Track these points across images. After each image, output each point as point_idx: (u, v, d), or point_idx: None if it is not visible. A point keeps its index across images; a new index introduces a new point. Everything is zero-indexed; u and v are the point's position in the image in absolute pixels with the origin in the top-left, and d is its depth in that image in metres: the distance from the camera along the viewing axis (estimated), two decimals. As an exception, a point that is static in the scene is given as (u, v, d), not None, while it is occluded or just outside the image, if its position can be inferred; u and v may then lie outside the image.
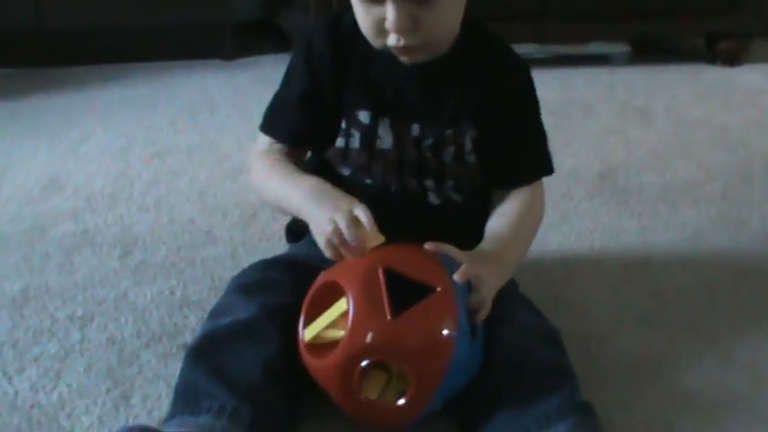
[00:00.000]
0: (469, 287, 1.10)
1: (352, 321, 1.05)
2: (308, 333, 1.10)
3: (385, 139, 1.25)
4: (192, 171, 2.03)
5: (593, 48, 3.06)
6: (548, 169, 1.32)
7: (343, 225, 1.11)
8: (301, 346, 1.10)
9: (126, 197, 1.87)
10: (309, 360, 1.09)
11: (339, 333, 1.07)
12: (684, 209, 1.87)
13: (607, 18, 3.01)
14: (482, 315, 1.10)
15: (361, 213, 1.12)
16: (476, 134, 1.25)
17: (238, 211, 1.79)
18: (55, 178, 1.96)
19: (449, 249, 1.14)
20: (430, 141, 1.24)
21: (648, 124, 2.46)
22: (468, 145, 1.25)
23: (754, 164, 2.16)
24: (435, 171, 1.26)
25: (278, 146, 1.31)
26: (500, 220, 1.25)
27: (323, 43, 1.26)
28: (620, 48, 3.08)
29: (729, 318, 1.44)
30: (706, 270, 1.60)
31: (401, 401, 1.06)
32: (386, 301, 1.05)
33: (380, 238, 1.12)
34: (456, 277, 1.08)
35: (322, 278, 1.13)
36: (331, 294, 1.10)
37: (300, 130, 1.30)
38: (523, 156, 1.29)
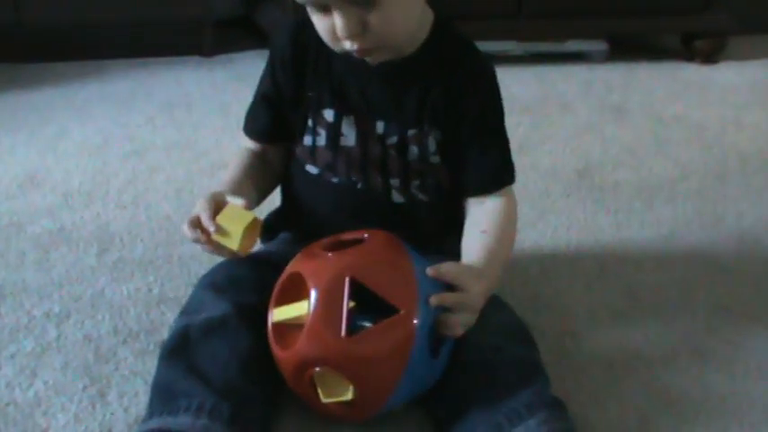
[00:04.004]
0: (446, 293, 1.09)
1: (307, 330, 1.04)
2: (276, 314, 1.10)
3: (348, 136, 1.26)
4: (169, 168, 2.03)
5: (571, 45, 3.07)
6: (510, 177, 1.30)
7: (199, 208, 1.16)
8: (269, 326, 1.10)
9: (103, 194, 1.87)
10: (274, 345, 1.09)
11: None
12: (660, 206, 1.88)
13: (585, 15, 3.02)
14: (460, 331, 1.09)
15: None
16: (439, 136, 1.25)
17: (216, 208, 1.78)
18: (32, 175, 1.96)
19: (447, 269, 1.12)
20: (394, 139, 1.25)
21: (625, 121, 2.47)
22: (432, 146, 1.25)
23: (729, 161, 2.17)
24: (399, 170, 1.26)
25: (252, 144, 1.35)
26: (483, 236, 1.23)
27: (286, 44, 1.28)
28: (598, 45, 3.09)
29: (705, 314, 1.45)
30: (681, 267, 1.61)
31: (348, 397, 1.06)
32: (344, 314, 1.03)
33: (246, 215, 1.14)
34: (432, 300, 1.06)
35: (292, 267, 1.12)
36: (300, 284, 1.09)
37: (264, 128, 1.33)
38: (487, 162, 1.27)
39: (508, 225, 1.27)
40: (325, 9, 1.12)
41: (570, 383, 1.22)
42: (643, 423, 1.17)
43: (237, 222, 1.13)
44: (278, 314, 1.10)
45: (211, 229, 1.13)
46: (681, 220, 1.82)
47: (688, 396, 1.23)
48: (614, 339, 1.37)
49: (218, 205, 1.16)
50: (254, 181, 1.30)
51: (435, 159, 1.26)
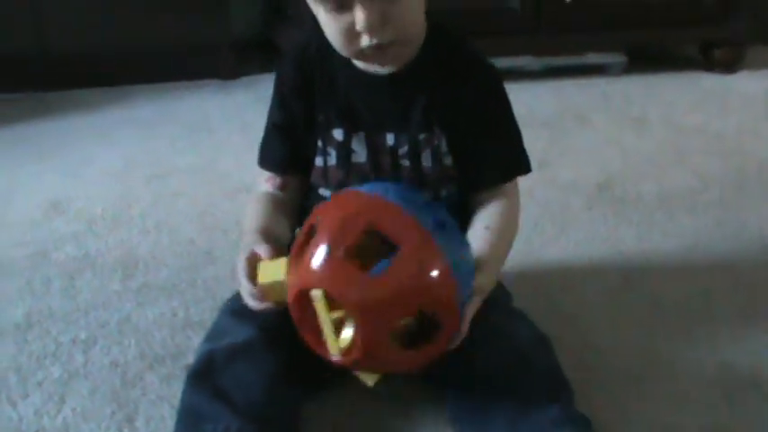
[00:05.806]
0: None
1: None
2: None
3: (360, 152, 1.26)
4: (191, 191, 2.04)
5: (589, 58, 3.07)
6: (523, 167, 1.30)
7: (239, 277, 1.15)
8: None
9: (126, 219, 1.88)
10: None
11: None
12: (682, 217, 1.88)
13: (603, 29, 3.02)
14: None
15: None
16: (448, 136, 1.25)
17: (238, 231, 1.78)
18: (57, 202, 1.98)
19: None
20: (406, 148, 1.25)
21: (644, 133, 2.46)
22: (444, 146, 1.25)
23: (749, 170, 2.16)
24: (412, 182, 1.25)
25: (269, 185, 1.33)
26: (485, 232, 1.22)
27: (290, 71, 1.30)
28: (616, 57, 3.09)
29: (728, 325, 1.44)
30: (704, 278, 1.60)
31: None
32: None
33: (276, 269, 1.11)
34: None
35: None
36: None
37: (281, 158, 1.32)
38: (495, 155, 1.27)
39: (511, 222, 1.28)
40: (343, 6, 1.13)
41: (594, 397, 1.22)
42: (668, 436, 1.17)
43: (279, 276, 1.10)
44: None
45: (259, 296, 1.12)
46: (703, 230, 1.82)
47: (714, 408, 1.23)
48: (638, 352, 1.37)
49: (253, 268, 1.14)
50: (279, 222, 1.28)
51: (448, 160, 1.26)
